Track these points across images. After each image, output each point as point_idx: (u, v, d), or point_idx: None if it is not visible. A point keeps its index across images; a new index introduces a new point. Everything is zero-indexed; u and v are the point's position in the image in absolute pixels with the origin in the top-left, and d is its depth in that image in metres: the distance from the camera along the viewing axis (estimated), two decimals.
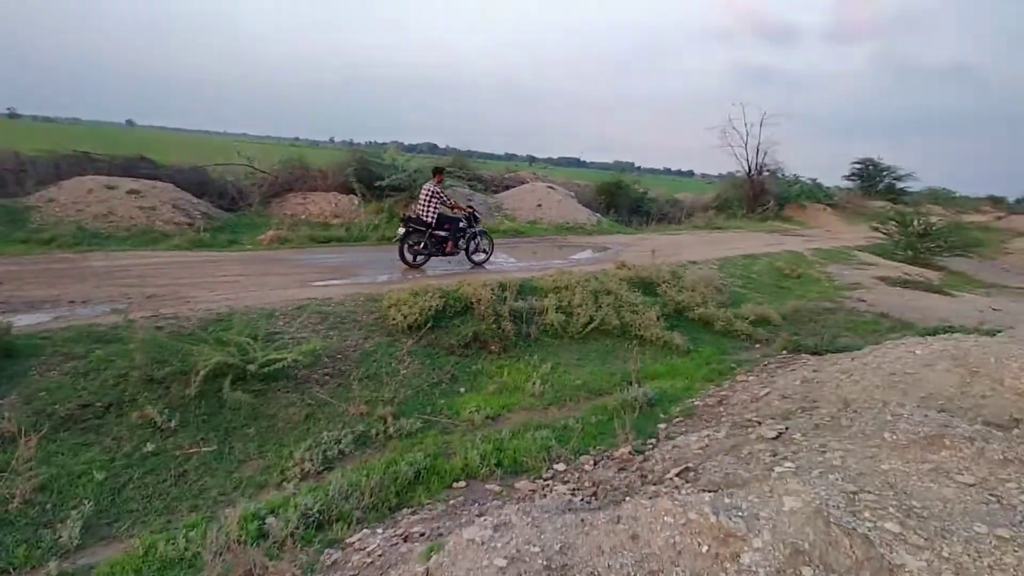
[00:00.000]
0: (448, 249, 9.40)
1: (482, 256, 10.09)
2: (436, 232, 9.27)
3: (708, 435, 4.09)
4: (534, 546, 2.29)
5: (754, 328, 8.39)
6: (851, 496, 2.34)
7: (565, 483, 4.05)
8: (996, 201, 58.67)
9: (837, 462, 2.73)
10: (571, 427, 5.10)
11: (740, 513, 2.31)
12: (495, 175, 21.16)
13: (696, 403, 5.72)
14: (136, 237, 9.96)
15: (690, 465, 3.27)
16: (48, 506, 3.44)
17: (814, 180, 31.55)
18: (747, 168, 26.87)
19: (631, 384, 6.02)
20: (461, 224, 9.58)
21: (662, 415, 5.52)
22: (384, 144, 16.88)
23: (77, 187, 10.96)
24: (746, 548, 2.17)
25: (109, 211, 10.48)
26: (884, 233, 18.70)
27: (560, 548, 2.28)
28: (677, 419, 5.35)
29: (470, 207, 10.19)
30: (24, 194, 10.75)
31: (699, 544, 2.22)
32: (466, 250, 9.81)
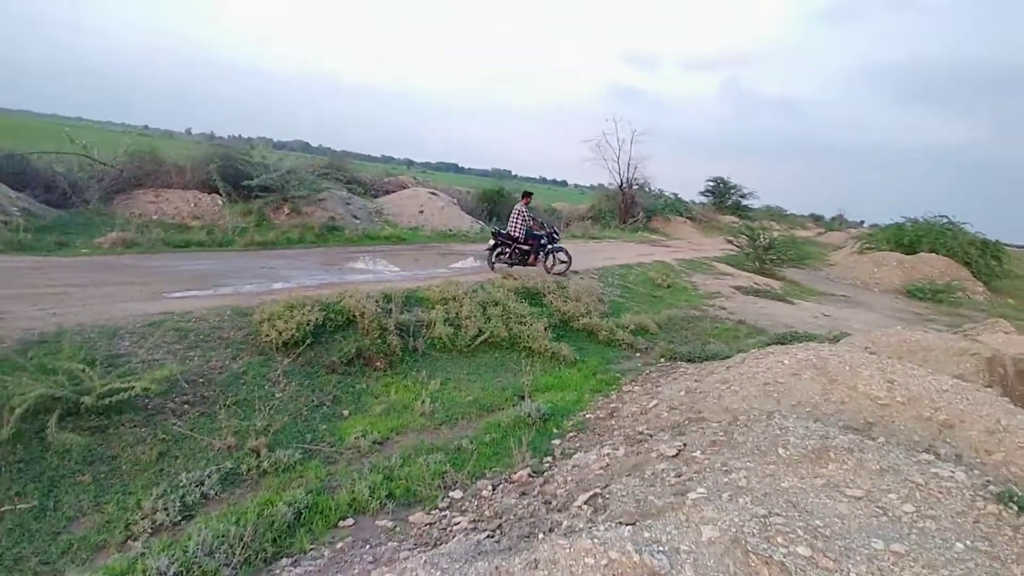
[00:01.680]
0: (530, 261, 10.82)
1: (561, 268, 11.10)
2: (521, 246, 10.66)
3: (607, 453, 4.06)
4: None
5: (634, 337, 8.71)
6: (763, 521, 2.36)
7: (464, 513, 3.80)
8: (817, 219, 68.65)
9: (743, 482, 2.77)
10: (465, 449, 4.87)
11: (661, 548, 2.22)
12: (374, 179, 20.38)
13: (588, 416, 5.74)
14: None
15: (597, 490, 3.18)
16: None
17: (675, 195, 34.15)
18: (619, 181, 28.36)
19: (523, 399, 5.93)
20: (543, 241, 10.91)
21: (555, 430, 5.46)
22: (251, 139, 15.47)
23: None
24: None
25: None
26: (736, 246, 20.57)
27: None
28: (571, 434, 5.32)
29: (552, 227, 11.54)
30: None
31: None
32: (545, 262, 11.00)
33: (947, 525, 2.48)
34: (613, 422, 5.41)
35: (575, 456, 4.45)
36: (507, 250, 10.65)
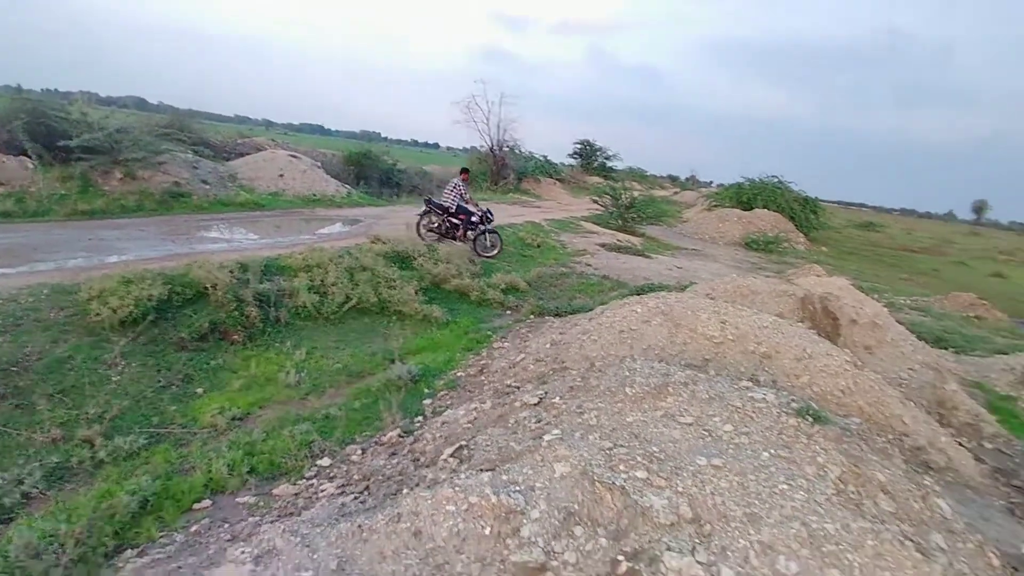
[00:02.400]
0: (459, 235, 10.81)
1: (492, 251, 11.09)
2: (451, 219, 10.74)
3: (475, 407, 4.18)
4: (306, 571, 2.01)
5: (505, 296, 8.94)
6: (608, 452, 2.59)
7: (332, 479, 3.75)
8: (673, 179, 74.82)
9: (593, 421, 3.01)
10: (334, 416, 4.78)
11: (518, 488, 2.36)
12: (226, 140, 18.65)
13: (459, 374, 5.86)
14: None
15: (463, 442, 3.28)
16: None
17: (545, 157, 35.00)
18: (489, 143, 28.43)
19: (394, 362, 5.90)
20: (474, 219, 10.85)
21: (427, 390, 5.51)
22: (70, 93, 13.34)
23: None
24: (525, 521, 2.23)
25: None
26: (601, 205, 21.66)
27: (338, 565, 2.05)
28: (442, 393, 5.40)
29: (488, 209, 11.32)
30: None
31: (482, 527, 2.20)
32: (474, 243, 10.89)
33: (757, 439, 2.89)
34: (483, 378, 5.57)
35: (445, 413, 4.54)
36: (436, 220, 10.77)
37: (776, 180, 28.00)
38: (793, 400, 3.44)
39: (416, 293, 7.80)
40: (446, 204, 10.76)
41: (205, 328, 5.73)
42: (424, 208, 11.00)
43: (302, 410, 4.93)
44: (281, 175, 15.27)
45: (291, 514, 3.13)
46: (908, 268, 22.24)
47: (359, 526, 2.25)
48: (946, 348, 9.14)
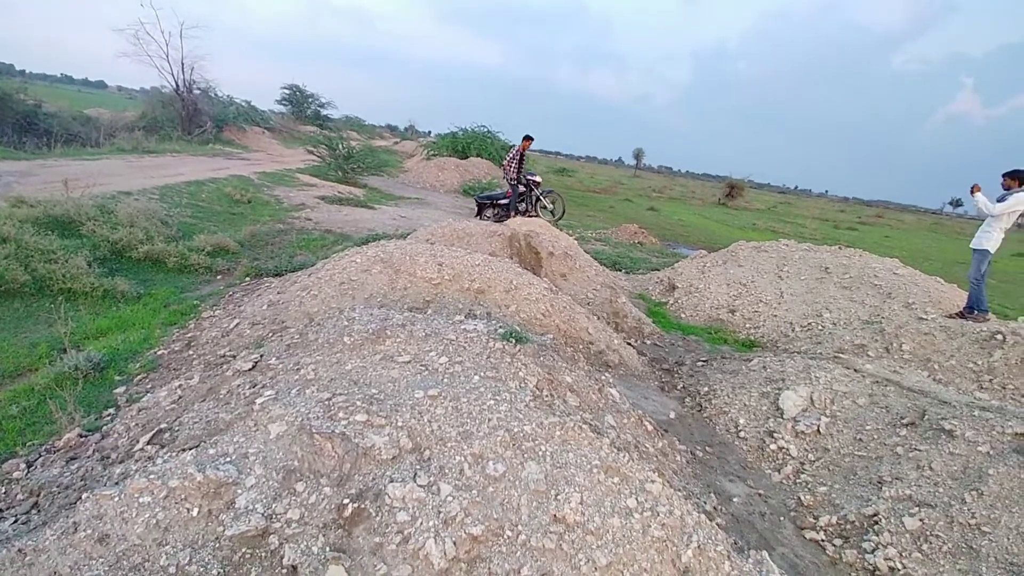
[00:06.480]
0: (527, 212, 12.73)
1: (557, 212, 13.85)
2: (499, 202, 12.66)
3: (180, 385, 3.71)
4: None
5: (213, 259, 7.97)
6: (326, 403, 2.56)
7: None
8: (392, 129, 75.03)
9: (311, 375, 2.93)
10: None
11: (229, 459, 2.20)
12: None
13: (160, 352, 5.08)
14: None
15: (164, 426, 2.89)
16: None
17: (248, 102, 31.44)
18: (174, 84, 24.19)
19: (65, 351, 4.82)
20: (521, 190, 12.58)
21: (119, 377, 4.67)
22: None
23: None
24: (240, 491, 2.09)
25: None
26: (317, 156, 20.54)
27: None
28: (139, 377, 4.63)
29: (533, 174, 13.31)
30: None
31: (188, 510, 2.00)
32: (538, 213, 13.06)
33: (469, 365, 3.19)
34: (191, 352, 4.95)
35: (143, 399, 3.93)
36: (493, 211, 12.67)
37: (485, 129, 30.12)
38: (500, 327, 3.87)
39: (90, 265, 6.43)
40: (516, 184, 12.50)
41: None
42: (476, 206, 13.00)
43: None
44: None
45: None
46: (592, 206, 26.48)
47: (19, 551, 1.83)
48: (620, 269, 11.29)
